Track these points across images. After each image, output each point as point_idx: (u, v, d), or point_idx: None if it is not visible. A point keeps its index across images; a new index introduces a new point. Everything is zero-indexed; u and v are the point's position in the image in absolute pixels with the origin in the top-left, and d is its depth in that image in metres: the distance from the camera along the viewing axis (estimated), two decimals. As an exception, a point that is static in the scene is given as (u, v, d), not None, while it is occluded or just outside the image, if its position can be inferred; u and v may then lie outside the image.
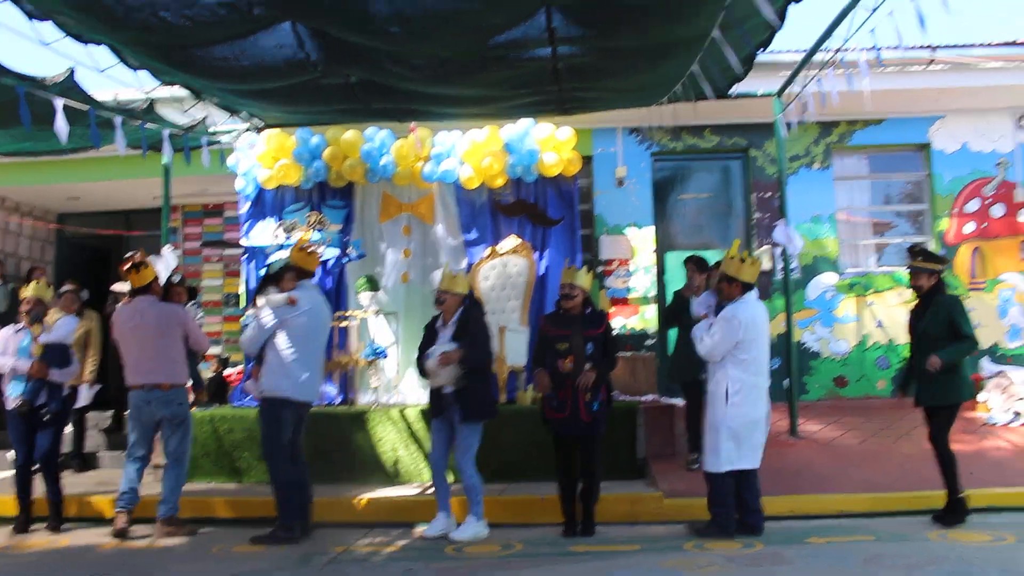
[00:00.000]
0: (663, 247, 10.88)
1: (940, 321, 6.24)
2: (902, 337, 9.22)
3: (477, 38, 5.85)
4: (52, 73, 6.40)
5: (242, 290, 10.14)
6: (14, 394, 6.98)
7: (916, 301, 6.53)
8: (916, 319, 6.43)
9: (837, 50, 7.01)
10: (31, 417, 7.02)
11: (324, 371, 6.88)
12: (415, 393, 9.22)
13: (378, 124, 9.45)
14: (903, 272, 9.73)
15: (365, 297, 9.28)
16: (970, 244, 10.70)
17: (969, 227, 10.70)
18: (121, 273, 7.00)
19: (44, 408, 7.04)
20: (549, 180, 9.69)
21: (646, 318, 10.61)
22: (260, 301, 6.62)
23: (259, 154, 9.60)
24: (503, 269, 9.31)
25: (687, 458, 7.83)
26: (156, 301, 6.84)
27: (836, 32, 6.85)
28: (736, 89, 8.14)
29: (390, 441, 8.24)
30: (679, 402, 8.45)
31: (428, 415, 6.98)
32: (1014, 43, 9.93)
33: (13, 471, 7.19)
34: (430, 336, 6.63)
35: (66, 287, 8.71)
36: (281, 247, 9.27)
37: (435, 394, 6.52)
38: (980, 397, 9.50)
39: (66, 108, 6.35)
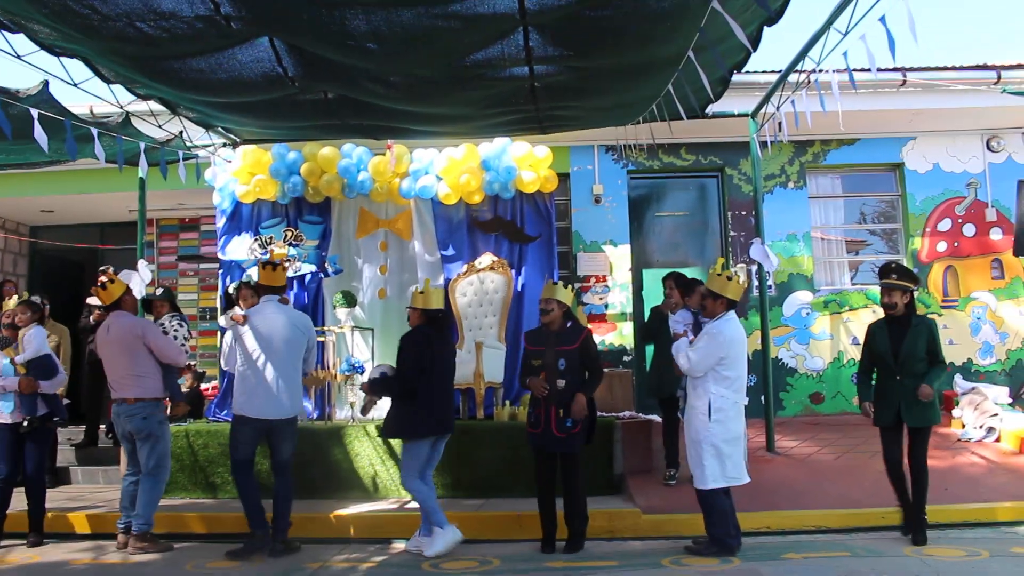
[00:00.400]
0: (639, 264, 10.95)
1: (923, 343, 6.25)
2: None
3: (454, 56, 5.88)
4: (25, 86, 6.39)
5: (218, 304, 10.09)
6: (5, 411, 6.90)
7: (886, 319, 6.43)
8: (896, 339, 6.29)
9: (811, 71, 7.11)
10: (37, 432, 7.01)
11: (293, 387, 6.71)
12: (392, 409, 9.17)
13: (355, 141, 9.47)
14: (877, 290, 9.83)
15: (342, 313, 9.26)
16: (943, 263, 10.85)
17: (941, 246, 10.86)
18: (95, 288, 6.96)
19: (54, 419, 7.09)
20: (526, 197, 9.73)
21: (623, 334, 10.66)
22: (221, 320, 6.67)
23: (235, 169, 9.57)
24: (480, 285, 9.32)
25: (664, 474, 7.85)
26: (122, 315, 6.78)
27: (810, 53, 6.95)
28: (712, 109, 8.24)
29: (367, 456, 8.20)
30: (656, 418, 8.48)
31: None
32: (983, 66, 10.11)
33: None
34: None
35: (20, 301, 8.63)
36: (257, 262, 9.24)
37: None
38: (954, 413, 9.61)
39: (41, 120, 6.31)
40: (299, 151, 9.56)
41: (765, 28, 5.79)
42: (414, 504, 6.71)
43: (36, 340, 7.20)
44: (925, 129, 10.85)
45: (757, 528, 6.81)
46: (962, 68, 10.14)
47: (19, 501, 7.11)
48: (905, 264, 10.74)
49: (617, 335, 10.67)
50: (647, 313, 8.68)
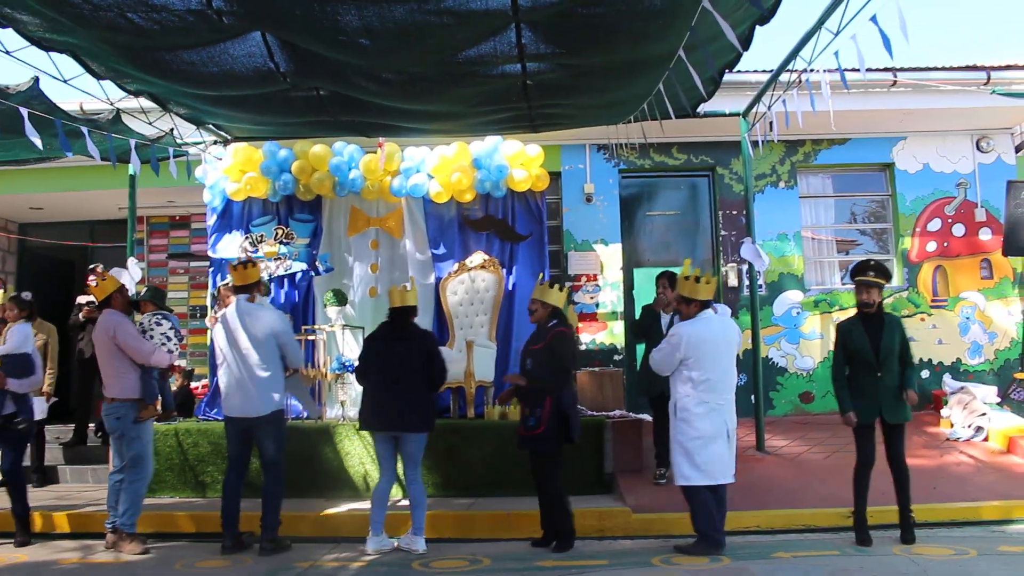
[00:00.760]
0: (631, 263, 10.96)
1: (899, 339, 6.29)
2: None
3: (447, 53, 5.87)
4: (15, 83, 6.36)
5: (208, 303, 10.05)
6: None
7: (860, 316, 6.40)
8: (874, 336, 6.29)
9: (802, 71, 7.12)
10: (2, 431, 6.92)
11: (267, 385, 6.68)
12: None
13: (346, 139, 9.45)
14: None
15: (332, 311, 9.23)
16: (932, 262, 10.88)
17: (931, 246, 10.90)
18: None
19: (16, 419, 6.96)
20: (518, 196, 9.72)
21: (614, 333, 10.67)
22: (207, 321, 6.68)
23: (226, 167, 9.54)
24: (471, 284, 9.31)
25: (655, 473, 7.86)
26: (107, 314, 6.78)
27: (801, 53, 6.97)
28: (703, 108, 8.25)
29: (358, 455, 8.19)
30: (647, 417, 8.48)
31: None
32: (973, 67, 10.15)
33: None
34: None
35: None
36: (248, 258, 9.22)
37: None
38: (943, 413, 9.64)
39: (31, 118, 6.28)
40: (290, 149, 9.53)
41: (757, 27, 5.81)
42: (405, 502, 6.71)
43: (17, 336, 7.16)
44: (915, 129, 10.88)
45: (747, 527, 6.84)
46: (952, 68, 10.17)
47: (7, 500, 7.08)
48: (894, 264, 10.81)
49: (608, 334, 10.67)
50: (638, 312, 8.68)
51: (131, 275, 8.64)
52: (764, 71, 9.27)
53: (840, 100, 8.03)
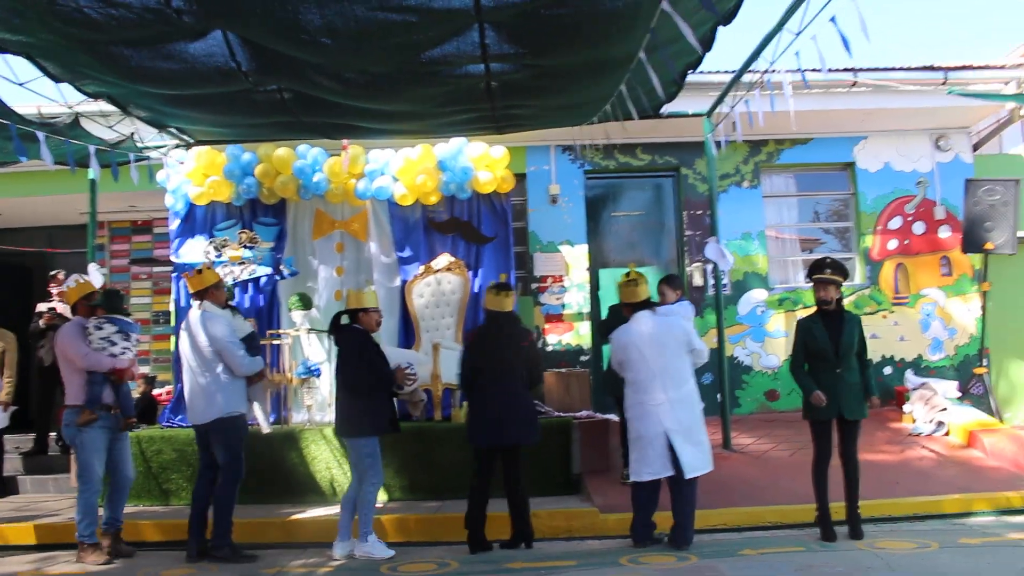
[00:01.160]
0: (596, 264, 10.99)
1: (857, 336, 6.40)
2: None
3: (409, 52, 5.84)
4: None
5: (172, 308, 9.92)
6: None
7: (819, 314, 6.48)
8: (834, 333, 6.36)
9: (764, 71, 7.18)
10: None
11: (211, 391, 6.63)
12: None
13: (310, 142, 9.38)
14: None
15: (298, 315, 9.15)
16: (893, 260, 11.03)
17: (892, 244, 11.04)
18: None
19: None
20: (483, 197, 9.70)
21: (580, 334, 10.69)
22: None
23: (189, 171, 9.43)
24: (437, 286, 9.28)
25: (622, 473, 7.87)
26: (70, 321, 6.78)
27: (764, 53, 7.02)
28: (667, 109, 8.29)
29: (324, 460, 8.13)
30: (613, 417, 8.50)
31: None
32: (931, 67, 10.30)
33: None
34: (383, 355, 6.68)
35: None
36: (212, 265, 9.12)
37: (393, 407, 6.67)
38: (905, 408, 9.77)
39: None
40: (254, 152, 9.44)
41: (720, 28, 5.83)
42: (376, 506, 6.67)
43: None
44: (876, 129, 11.03)
45: (714, 525, 6.89)
46: (911, 69, 10.32)
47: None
48: (856, 262, 10.94)
49: (574, 335, 10.69)
50: (604, 312, 8.70)
51: (93, 282, 8.50)
52: (727, 72, 9.35)
53: (802, 100, 8.11)
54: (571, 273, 10.79)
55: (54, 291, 9.29)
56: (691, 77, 7.21)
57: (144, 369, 11.21)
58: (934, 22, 41.97)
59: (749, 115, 7.49)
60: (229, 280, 9.18)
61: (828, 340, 6.36)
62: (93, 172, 8.21)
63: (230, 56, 5.97)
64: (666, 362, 6.28)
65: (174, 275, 9.80)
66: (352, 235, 9.74)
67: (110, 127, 8.41)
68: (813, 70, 6.19)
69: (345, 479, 8.06)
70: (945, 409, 9.30)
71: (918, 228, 11.08)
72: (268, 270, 9.55)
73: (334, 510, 7.61)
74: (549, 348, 10.58)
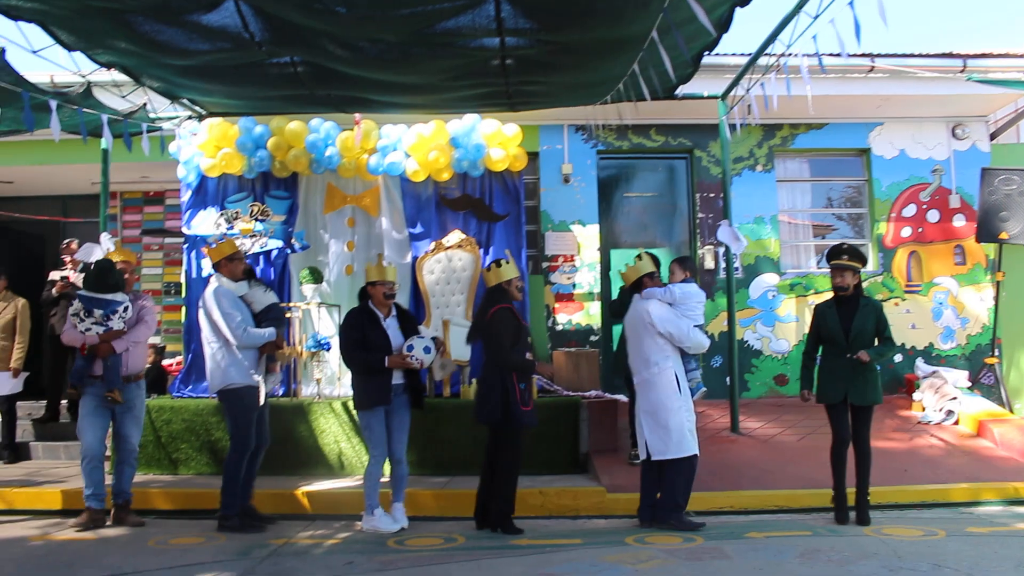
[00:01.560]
0: (608, 244, 10.96)
1: (872, 322, 6.36)
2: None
3: (424, 22, 5.80)
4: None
5: (183, 280, 9.94)
6: None
7: (836, 300, 6.50)
8: (847, 318, 6.38)
9: (781, 55, 7.12)
10: None
11: (211, 362, 6.51)
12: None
13: (322, 115, 9.36)
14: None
15: (308, 289, 9.17)
16: (907, 248, 10.96)
17: (906, 231, 10.97)
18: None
19: None
20: (495, 175, 9.68)
21: (590, 314, 10.68)
22: None
23: (201, 142, 9.42)
24: (448, 263, 9.28)
25: (629, 453, 7.88)
26: None
27: (780, 36, 6.96)
28: (682, 90, 8.24)
29: (332, 434, 8.17)
30: (622, 397, 8.50)
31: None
32: (949, 55, 10.19)
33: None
34: (383, 330, 6.47)
35: None
36: (223, 236, 9.14)
37: (388, 383, 6.36)
38: (915, 396, 9.75)
39: (-1, 90, 6.16)
40: (266, 125, 9.42)
41: (737, 9, 5.78)
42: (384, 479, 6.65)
43: None
44: (892, 115, 10.94)
45: (720, 507, 6.90)
46: (929, 56, 10.22)
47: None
48: (869, 249, 10.89)
49: (584, 314, 10.68)
50: (615, 292, 8.69)
51: (104, 251, 8.52)
52: (744, 54, 9.27)
53: (818, 85, 8.04)
54: (582, 253, 10.76)
55: (66, 259, 9.31)
56: (707, 59, 7.17)
57: (155, 340, 11.24)
58: (954, 9, 41.54)
59: (765, 98, 7.44)
60: (240, 253, 9.18)
61: (839, 326, 6.37)
62: (105, 142, 8.18)
63: (243, 27, 5.95)
64: (638, 344, 6.51)
65: (185, 246, 9.82)
66: (363, 210, 9.73)
67: (123, 96, 8.40)
68: (831, 54, 6.13)
69: (353, 452, 8.10)
70: (955, 398, 9.27)
71: (932, 216, 11.00)
72: (279, 243, 9.56)
73: (342, 483, 7.67)
74: (559, 327, 10.57)
